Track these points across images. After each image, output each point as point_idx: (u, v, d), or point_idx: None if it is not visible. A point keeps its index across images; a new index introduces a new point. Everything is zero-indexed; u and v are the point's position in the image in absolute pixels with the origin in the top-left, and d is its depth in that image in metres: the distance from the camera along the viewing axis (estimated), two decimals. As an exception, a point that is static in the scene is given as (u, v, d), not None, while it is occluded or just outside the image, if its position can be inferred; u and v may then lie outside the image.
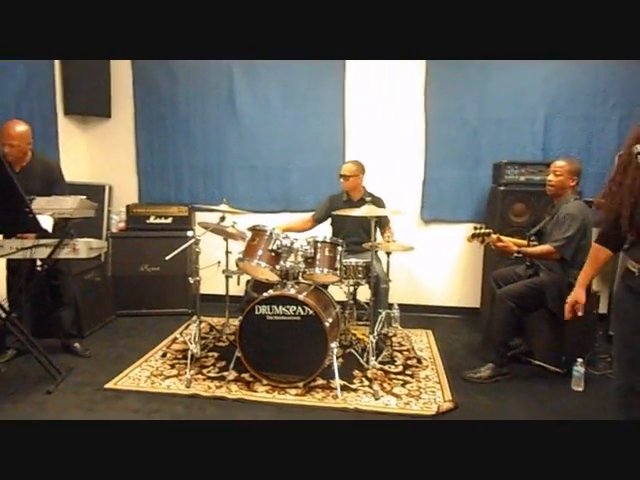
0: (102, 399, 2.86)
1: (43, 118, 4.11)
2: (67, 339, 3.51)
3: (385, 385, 3.02)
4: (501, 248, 3.11)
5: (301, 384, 2.94)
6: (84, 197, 2.85)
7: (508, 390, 3.01)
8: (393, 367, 3.29)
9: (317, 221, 3.98)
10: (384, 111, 4.37)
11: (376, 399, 2.83)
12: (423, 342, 3.82)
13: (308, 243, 3.15)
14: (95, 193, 4.25)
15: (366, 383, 3.04)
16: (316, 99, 4.40)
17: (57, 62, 4.30)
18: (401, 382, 3.07)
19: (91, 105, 4.49)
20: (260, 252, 3.06)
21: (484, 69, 4.12)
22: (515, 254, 3.08)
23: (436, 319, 4.41)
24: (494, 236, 3.08)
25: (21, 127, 3.08)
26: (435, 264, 4.48)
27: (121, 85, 4.64)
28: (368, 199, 3.26)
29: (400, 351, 3.58)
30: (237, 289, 4.01)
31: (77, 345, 3.51)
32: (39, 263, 3.06)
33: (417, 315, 4.37)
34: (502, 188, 3.84)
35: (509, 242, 3.10)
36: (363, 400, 2.83)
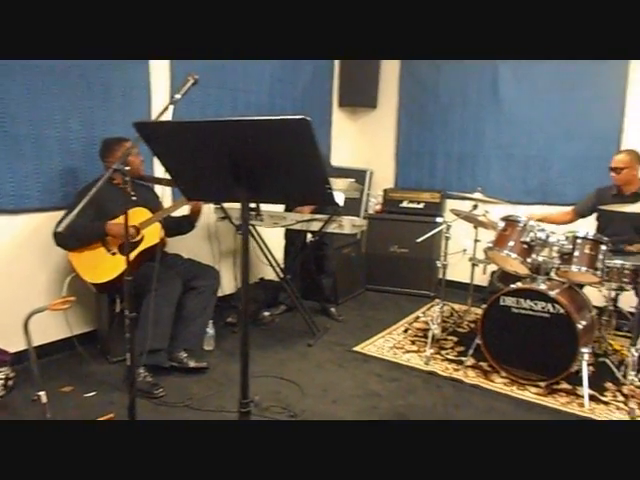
0: (351, 359, 3.23)
1: (322, 109, 4.72)
2: (325, 303, 4.03)
3: (645, 406, 2.68)
4: None
5: (542, 384, 2.82)
6: (353, 180, 3.22)
7: None
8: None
9: (579, 215, 3.66)
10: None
11: (631, 418, 2.54)
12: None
13: (566, 238, 2.95)
14: (358, 177, 4.68)
15: (620, 399, 2.74)
16: (591, 80, 4.00)
17: (337, 61, 4.85)
18: (667, 407, 2.68)
19: (361, 97, 4.95)
20: (512, 243, 2.99)
21: None
22: None
23: None
24: None
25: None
26: None
27: (389, 78, 4.99)
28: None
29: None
30: (481, 278, 4.00)
31: (333, 310, 4.00)
32: (309, 236, 3.59)
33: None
34: None
35: None
36: (614, 416, 2.58)
